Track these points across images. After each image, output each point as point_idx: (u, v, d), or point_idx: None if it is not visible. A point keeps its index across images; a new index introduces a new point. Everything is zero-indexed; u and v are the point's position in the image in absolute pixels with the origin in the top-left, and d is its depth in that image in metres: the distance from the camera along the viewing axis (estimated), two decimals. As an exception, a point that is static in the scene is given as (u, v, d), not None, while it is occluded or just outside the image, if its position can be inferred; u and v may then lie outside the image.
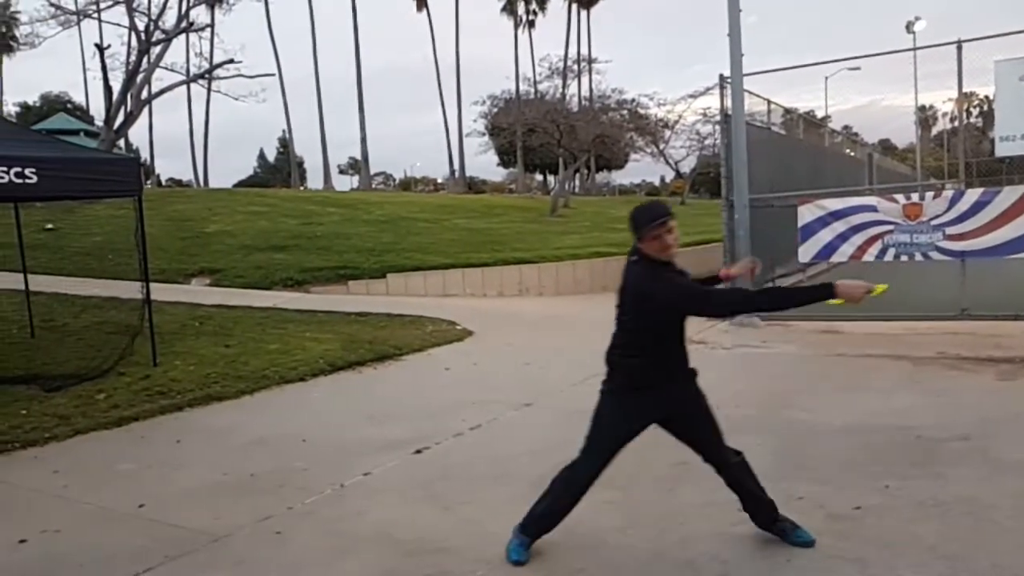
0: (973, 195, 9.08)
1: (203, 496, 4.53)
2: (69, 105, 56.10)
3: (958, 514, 3.85)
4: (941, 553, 3.43)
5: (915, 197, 9.51)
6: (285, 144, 63.06)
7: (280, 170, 65.85)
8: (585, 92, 45.16)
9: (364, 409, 6.52)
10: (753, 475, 3.60)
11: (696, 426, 3.52)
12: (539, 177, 65.03)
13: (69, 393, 6.72)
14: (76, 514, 4.30)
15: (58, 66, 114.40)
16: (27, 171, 6.41)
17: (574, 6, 58.35)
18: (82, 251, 15.53)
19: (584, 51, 54.76)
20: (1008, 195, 8.86)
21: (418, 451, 5.24)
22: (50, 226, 17.28)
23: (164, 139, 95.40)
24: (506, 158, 55.92)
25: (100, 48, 24.21)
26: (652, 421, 3.48)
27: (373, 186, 57.55)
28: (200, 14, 33.77)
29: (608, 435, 3.46)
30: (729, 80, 10.45)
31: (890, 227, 9.42)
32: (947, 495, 4.08)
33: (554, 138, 30.99)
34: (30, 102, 57.07)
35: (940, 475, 4.40)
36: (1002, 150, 9.19)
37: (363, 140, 49.88)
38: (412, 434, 5.58)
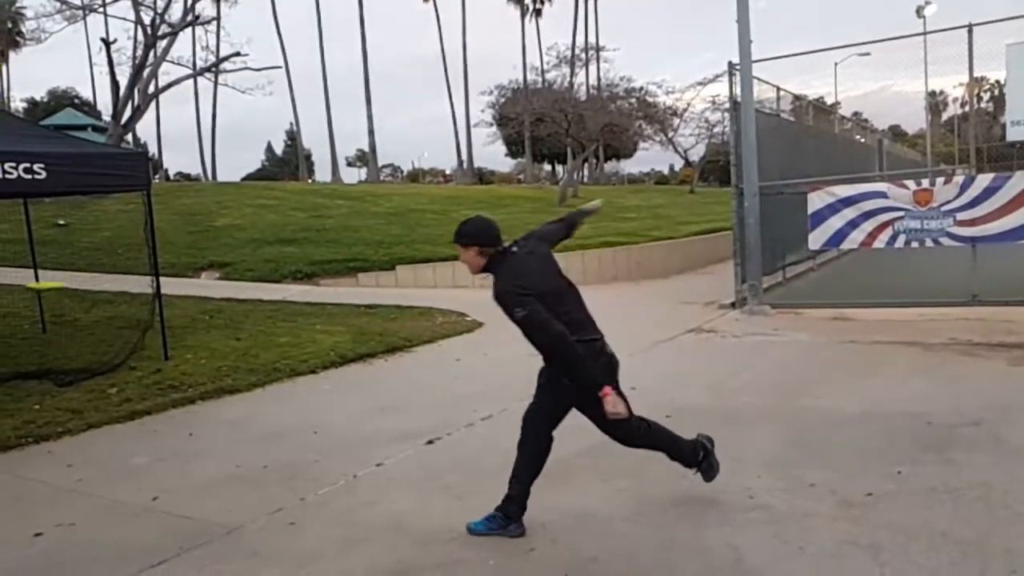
0: (984, 180, 9.03)
1: (216, 488, 4.56)
2: (76, 100, 56.25)
3: (970, 500, 3.84)
4: (954, 539, 3.42)
5: (925, 183, 9.46)
6: (292, 137, 63.12)
7: (288, 163, 65.96)
8: (593, 81, 44.95)
9: (375, 401, 6.54)
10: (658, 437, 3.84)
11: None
12: (547, 167, 64.89)
13: (81, 388, 6.77)
14: (90, 507, 4.34)
15: (65, 61, 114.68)
16: (35, 167, 6.42)
17: (581, -6, 58.05)
18: (92, 246, 15.58)
19: (592, 39, 54.49)
20: (1019, 180, 8.81)
21: (430, 442, 5.26)
22: (62, 221, 17.34)
23: (172, 133, 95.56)
24: (514, 148, 55.85)
25: (106, 43, 24.23)
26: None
27: (381, 178, 57.63)
28: (206, 7, 33.82)
29: None
30: (738, 67, 10.38)
31: (900, 213, 9.38)
32: (959, 481, 4.07)
33: (562, 127, 30.91)
34: (37, 98, 57.33)
35: (952, 461, 4.39)
36: (1013, 135, 9.15)
37: (371, 132, 49.87)
38: (423, 425, 5.59)
